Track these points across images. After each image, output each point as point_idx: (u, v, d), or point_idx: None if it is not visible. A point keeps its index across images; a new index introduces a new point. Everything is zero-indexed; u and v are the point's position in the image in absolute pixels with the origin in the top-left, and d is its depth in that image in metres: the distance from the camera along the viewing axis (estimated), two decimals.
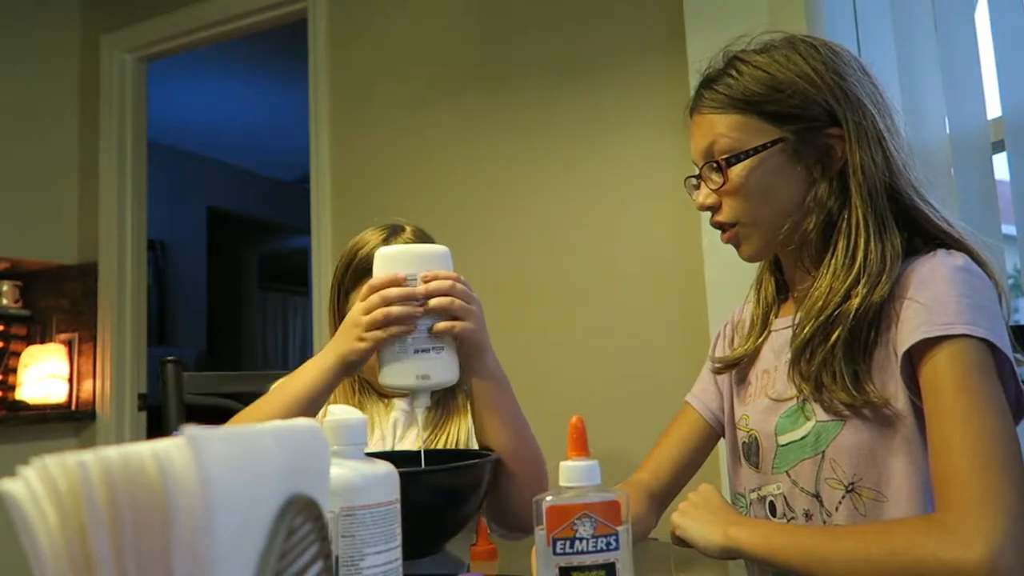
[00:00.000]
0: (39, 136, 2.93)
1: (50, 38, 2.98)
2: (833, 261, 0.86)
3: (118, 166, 2.90)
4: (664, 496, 1.01)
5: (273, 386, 1.07)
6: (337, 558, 0.56)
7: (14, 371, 2.86)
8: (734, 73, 0.90)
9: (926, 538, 0.68)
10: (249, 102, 4.59)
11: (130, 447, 0.35)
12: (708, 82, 0.92)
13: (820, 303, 0.85)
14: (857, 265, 0.84)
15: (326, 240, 2.43)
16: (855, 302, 0.82)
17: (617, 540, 0.56)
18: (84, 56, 3.03)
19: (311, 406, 0.98)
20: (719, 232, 0.94)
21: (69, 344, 2.89)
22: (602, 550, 0.56)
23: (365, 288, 0.93)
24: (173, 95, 4.15)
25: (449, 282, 0.92)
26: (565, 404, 1.81)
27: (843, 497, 0.83)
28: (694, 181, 0.95)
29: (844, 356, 0.82)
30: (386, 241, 1.18)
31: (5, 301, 2.90)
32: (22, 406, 2.77)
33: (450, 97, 2.28)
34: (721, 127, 0.89)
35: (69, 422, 2.83)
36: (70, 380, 2.87)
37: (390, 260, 0.94)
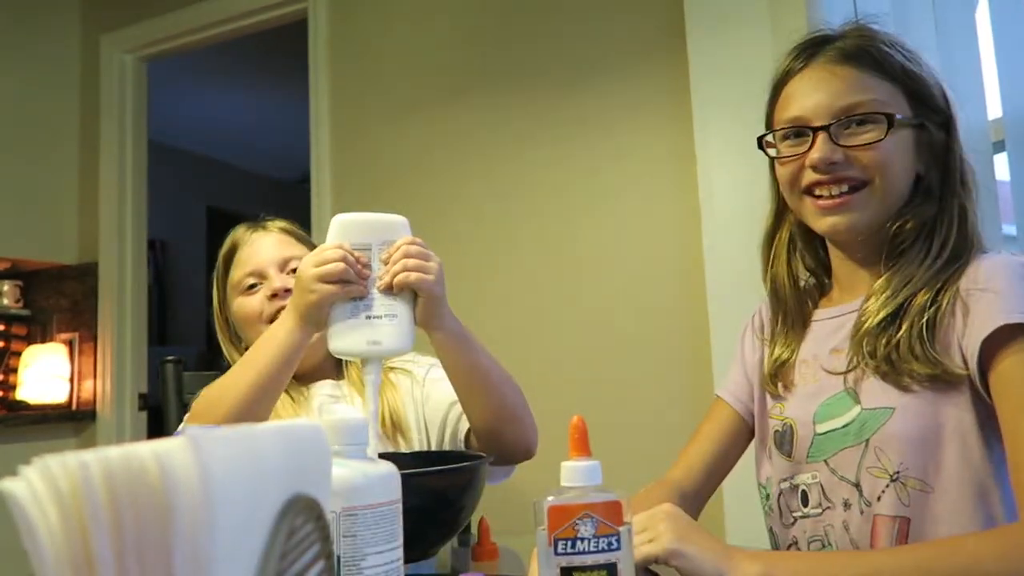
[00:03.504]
0: (39, 136, 2.92)
1: (50, 38, 2.98)
2: (925, 251, 0.85)
3: (118, 166, 2.90)
4: (697, 494, 0.96)
5: (239, 360, 1.05)
6: (338, 558, 0.56)
7: (14, 371, 2.86)
8: (881, 47, 0.88)
9: (1007, 550, 0.66)
10: (249, 102, 4.58)
11: (131, 447, 0.35)
12: (854, 40, 0.89)
13: (897, 288, 0.84)
14: (947, 255, 0.84)
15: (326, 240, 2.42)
16: (929, 293, 0.82)
17: (618, 540, 0.56)
18: (84, 56, 3.02)
19: (286, 366, 0.99)
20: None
21: (69, 344, 2.89)
22: (603, 550, 0.56)
23: (316, 249, 0.94)
24: (173, 95, 4.14)
25: (403, 244, 0.93)
26: (566, 404, 1.81)
27: (886, 486, 0.80)
28: (792, 139, 0.89)
29: (922, 334, 0.80)
30: (252, 229, 1.27)
31: (5, 301, 2.90)
32: (22, 406, 2.78)
33: (450, 97, 2.28)
34: (874, 89, 0.86)
35: (69, 422, 2.83)
36: (70, 380, 2.86)
37: (346, 226, 0.94)
